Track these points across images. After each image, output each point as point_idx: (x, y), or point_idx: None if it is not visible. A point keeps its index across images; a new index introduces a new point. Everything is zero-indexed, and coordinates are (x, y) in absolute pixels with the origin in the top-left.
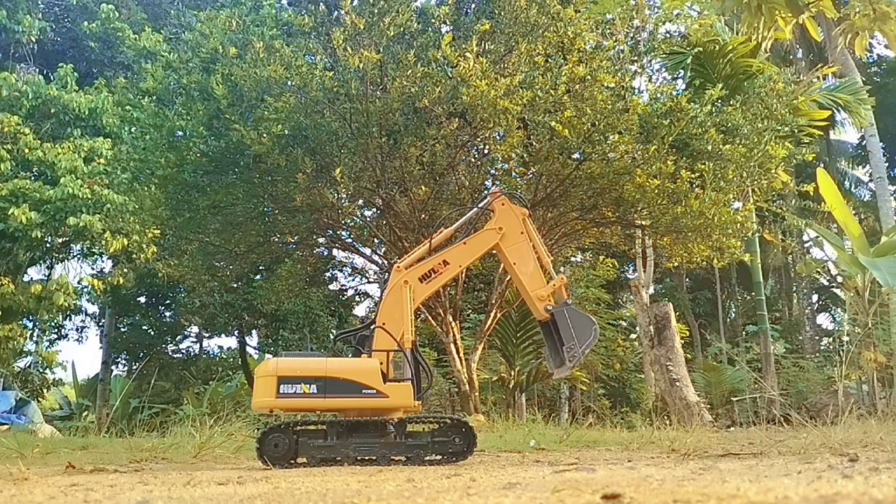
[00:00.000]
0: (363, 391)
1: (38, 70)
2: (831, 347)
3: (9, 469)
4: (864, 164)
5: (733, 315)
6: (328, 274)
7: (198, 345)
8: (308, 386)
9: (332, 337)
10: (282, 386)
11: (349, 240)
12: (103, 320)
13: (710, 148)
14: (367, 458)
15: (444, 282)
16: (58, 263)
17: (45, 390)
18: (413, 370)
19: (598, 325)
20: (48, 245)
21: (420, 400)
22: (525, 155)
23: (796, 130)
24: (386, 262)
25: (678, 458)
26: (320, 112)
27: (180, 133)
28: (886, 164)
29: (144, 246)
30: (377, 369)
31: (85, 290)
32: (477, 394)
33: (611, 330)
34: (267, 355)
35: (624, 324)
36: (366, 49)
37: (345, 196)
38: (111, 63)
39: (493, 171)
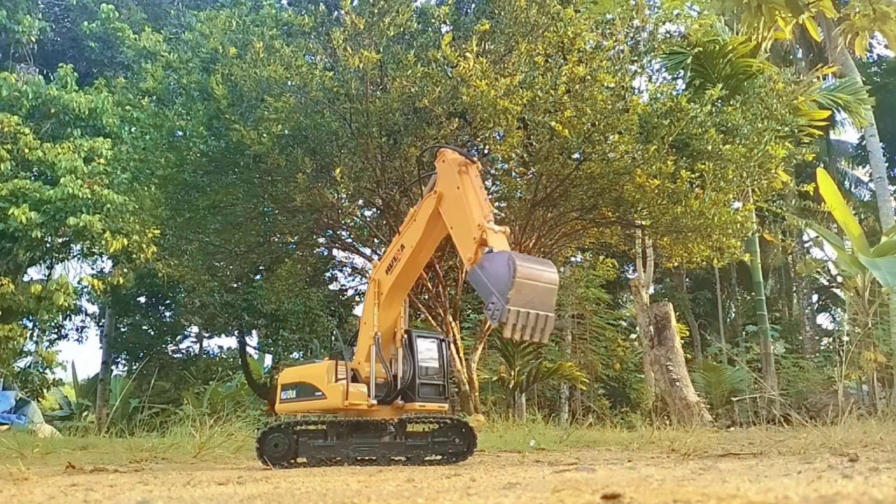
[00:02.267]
0: (315, 393)
1: (38, 70)
2: (831, 347)
3: (9, 469)
4: (864, 164)
5: (733, 315)
6: (328, 274)
7: (198, 345)
8: (291, 392)
9: (332, 337)
10: (282, 393)
11: (349, 240)
12: (103, 320)
13: (710, 148)
14: (367, 458)
15: (404, 266)
16: (58, 263)
17: (45, 390)
18: (407, 365)
19: (552, 283)
20: (48, 245)
21: (392, 397)
22: (525, 155)
23: (796, 130)
24: None
25: (678, 458)
26: (320, 112)
27: (180, 133)
28: (886, 164)
29: (144, 246)
30: (323, 372)
31: (85, 290)
32: (477, 394)
33: (611, 330)
34: (267, 355)
35: (624, 324)
36: (366, 49)
37: (345, 196)
38: (111, 63)
39: (493, 171)
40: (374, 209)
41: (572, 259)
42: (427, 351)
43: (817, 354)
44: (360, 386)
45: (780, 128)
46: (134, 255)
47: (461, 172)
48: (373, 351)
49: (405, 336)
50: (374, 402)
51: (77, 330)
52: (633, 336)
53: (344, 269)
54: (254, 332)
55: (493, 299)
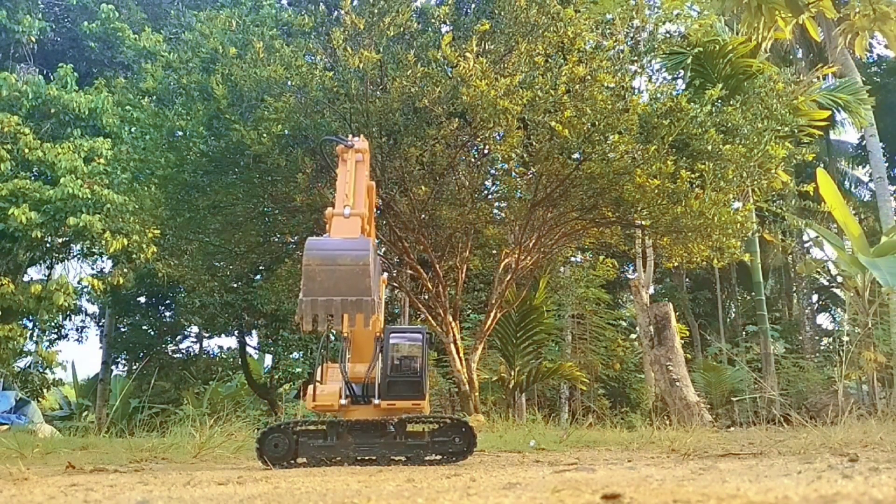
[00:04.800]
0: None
1: (38, 70)
2: (831, 347)
3: (9, 469)
4: (864, 164)
5: (733, 315)
6: None
7: (198, 345)
8: None
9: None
10: None
11: None
12: (103, 320)
13: (710, 148)
14: (367, 458)
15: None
16: (58, 263)
17: (45, 390)
18: (377, 364)
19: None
20: (48, 245)
21: (361, 396)
22: (525, 155)
23: (796, 130)
24: (386, 261)
25: (678, 458)
26: (320, 112)
27: (180, 133)
28: (886, 164)
29: (144, 246)
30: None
31: (85, 290)
32: (477, 394)
33: (611, 330)
34: (267, 355)
35: (624, 324)
36: (366, 49)
37: None
38: (111, 63)
39: (493, 171)
40: (374, 209)
41: (572, 259)
42: (401, 348)
43: (817, 354)
44: (331, 387)
45: (780, 128)
46: (134, 255)
47: (342, 160)
48: (343, 352)
49: (381, 335)
50: (344, 402)
51: (77, 330)
52: (633, 336)
53: None
54: (254, 332)
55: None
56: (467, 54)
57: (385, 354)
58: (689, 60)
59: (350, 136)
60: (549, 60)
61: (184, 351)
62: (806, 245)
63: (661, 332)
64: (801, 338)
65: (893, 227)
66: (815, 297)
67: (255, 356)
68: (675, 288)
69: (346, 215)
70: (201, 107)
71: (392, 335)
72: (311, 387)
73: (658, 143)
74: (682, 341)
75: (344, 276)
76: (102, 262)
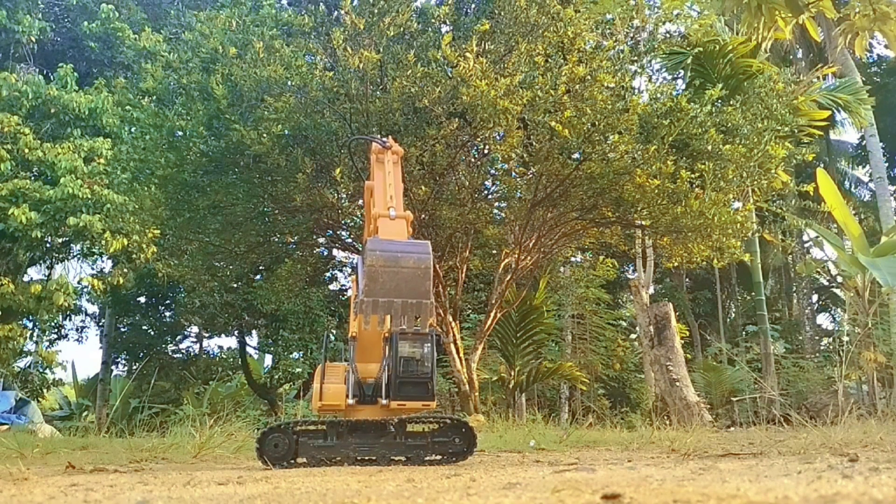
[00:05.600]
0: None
1: (38, 70)
2: (831, 347)
3: (9, 469)
4: (864, 164)
5: (733, 315)
6: (328, 274)
7: (198, 345)
8: None
9: (325, 336)
10: None
11: (349, 240)
12: (103, 320)
13: (710, 148)
14: (367, 458)
15: None
16: (58, 263)
17: (45, 390)
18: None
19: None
20: (48, 245)
21: (369, 396)
22: (525, 155)
23: (796, 130)
24: None
25: (678, 458)
26: (320, 112)
27: (180, 133)
28: (886, 164)
29: (144, 246)
30: (316, 374)
31: (85, 290)
32: (477, 394)
33: (611, 330)
34: (267, 355)
35: (624, 324)
36: (366, 49)
37: (345, 196)
38: (111, 63)
39: (493, 171)
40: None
41: (572, 259)
42: (410, 349)
43: (817, 354)
44: (338, 387)
45: (780, 128)
46: (134, 255)
47: (377, 161)
48: (351, 352)
49: (389, 336)
50: (352, 401)
51: (77, 330)
52: (633, 336)
53: (344, 269)
54: (254, 332)
55: (362, 297)
56: (467, 54)
57: (394, 355)
58: (689, 60)
59: (379, 135)
60: (549, 60)
61: (184, 351)
62: (806, 245)
63: (661, 332)
64: (801, 338)
65: (893, 227)
66: (815, 297)
67: (255, 356)
68: (675, 288)
69: (391, 217)
70: (201, 107)
71: (401, 336)
72: (316, 386)
73: (658, 143)
74: (682, 341)
75: (406, 279)
76: (102, 262)
